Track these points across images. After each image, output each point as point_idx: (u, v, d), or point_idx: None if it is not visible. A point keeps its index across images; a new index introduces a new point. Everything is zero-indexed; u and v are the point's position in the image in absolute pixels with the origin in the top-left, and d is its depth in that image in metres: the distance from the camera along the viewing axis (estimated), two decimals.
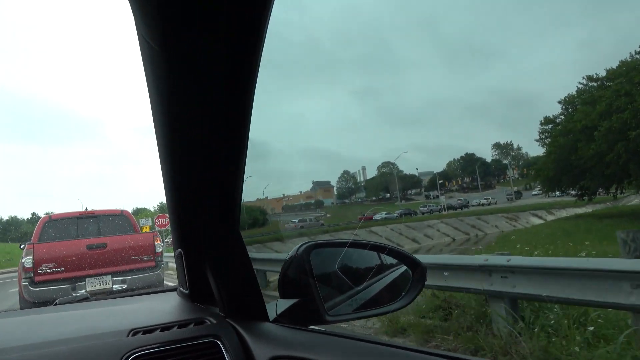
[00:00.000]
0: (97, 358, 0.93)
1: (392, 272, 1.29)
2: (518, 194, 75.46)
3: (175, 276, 1.48)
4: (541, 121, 42.78)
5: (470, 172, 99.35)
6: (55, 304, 1.57)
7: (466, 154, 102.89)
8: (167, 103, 0.85)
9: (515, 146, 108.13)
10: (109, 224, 8.18)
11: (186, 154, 0.96)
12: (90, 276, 7.07)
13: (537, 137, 43.77)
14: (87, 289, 6.89)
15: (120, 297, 1.66)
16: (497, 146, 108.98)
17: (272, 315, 1.09)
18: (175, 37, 0.71)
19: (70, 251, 7.06)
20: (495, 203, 63.12)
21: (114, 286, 7.23)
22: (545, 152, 40.33)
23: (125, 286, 7.19)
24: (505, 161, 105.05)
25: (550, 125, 41.33)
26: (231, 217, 1.10)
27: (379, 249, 1.23)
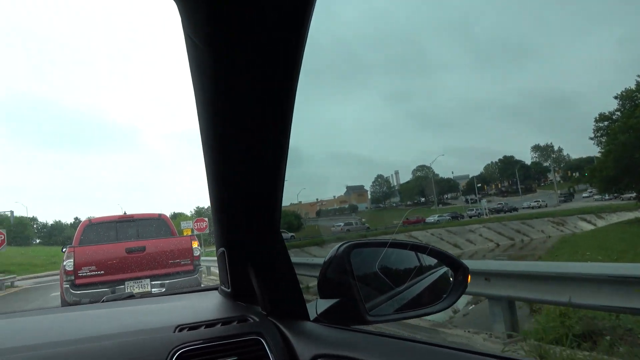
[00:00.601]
0: (146, 352, 0.97)
1: (432, 273, 1.29)
2: (569, 196, 72.80)
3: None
4: (596, 118, 41.10)
5: (509, 175, 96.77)
6: (103, 301, 1.66)
7: (504, 157, 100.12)
8: (212, 103, 0.88)
9: (556, 148, 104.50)
10: (147, 228, 8.29)
11: (230, 155, 0.98)
12: (129, 279, 7.17)
13: (592, 135, 42.00)
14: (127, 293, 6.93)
15: (163, 295, 1.73)
16: (536, 148, 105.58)
17: (312, 314, 1.11)
18: (222, 36, 0.73)
19: (110, 254, 7.17)
20: (546, 206, 61.21)
21: (153, 290, 7.29)
22: (602, 151, 38.15)
23: (164, 290, 7.25)
24: (546, 164, 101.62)
25: (606, 123, 39.51)
26: (272, 218, 1.13)
27: (419, 249, 1.23)
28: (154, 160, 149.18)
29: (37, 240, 74.45)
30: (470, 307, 7.37)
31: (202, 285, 7.85)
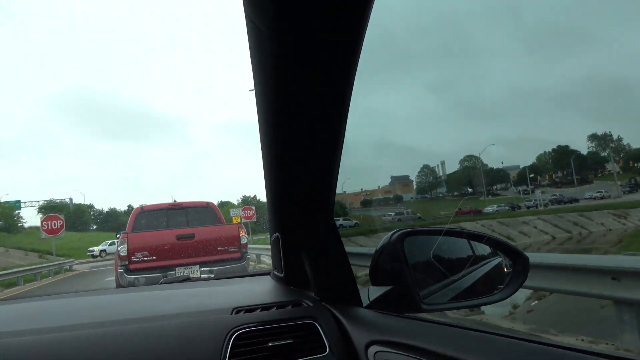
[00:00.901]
0: (205, 332, 1.02)
1: (487, 262, 1.27)
2: (635, 187, 68.65)
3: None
4: None
5: (563, 165, 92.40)
6: (160, 283, 1.74)
7: (558, 147, 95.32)
8: (272, 88, 0.88)
9: (615, 137, 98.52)
10: (196, 216, 8.50)
11: (287, 141, 1.00)
12: (179, 265, 7.36)
13: None
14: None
15: (218, 278, 1.79)
16: (593, 137, 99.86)
17: (365, 301, 1.12)
18: (285, 19, 0.73)
19: (161, 241, 7.43)
20: (609, 197, 58.20)
21: (202, 276, 7.27)
22: None
23: (213, 276, 7.41)
24: (603, 153, 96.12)
25: None
26: (327, 205, 1.14)
27: (475, 237, 1.21)
28: (202, 150, 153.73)
29: (94, 227, 78.57)
30: (533, 303, 7.00)
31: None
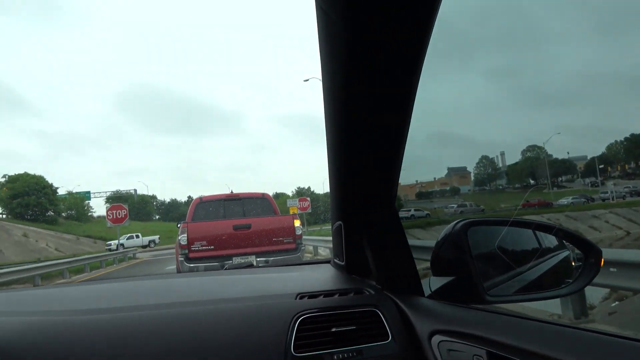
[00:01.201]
0: (271, 316, 1.06)
1: (554, 255, 1.23)
2: None
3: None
4: None
5: (637, 155, 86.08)
6: (225, 269, 1.82)
7: (632, 135, 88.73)
8: (340, 76, 0.90)
9: None
10: (252, 206, 8.72)
11: (352, 130, 1.01)
12: (236, 255, 7.60)
13: None
14: None
15: (279, 265, 1.85)
16: None
17: (426, 291, 1.12)
18: (356, 8, 0.74)
19: (219, 231, 7.70)
20: None
21: (259, 266, 7.55)
22: None
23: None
24: None
25: None
26: (389, 194, 1.15)
27: (544, 228, 1.18)
28: (257, 143, 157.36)
29: (157, 217, 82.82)
30: (614, 304, 6.46)
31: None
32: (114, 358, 0.94)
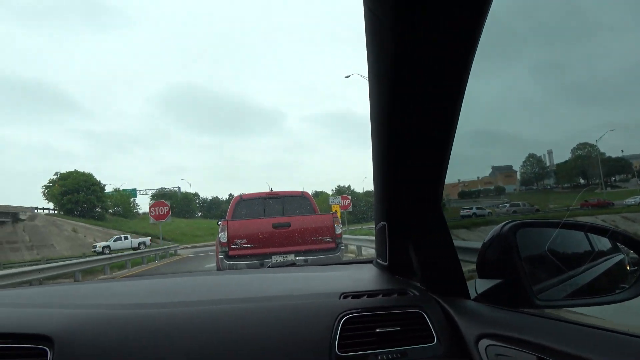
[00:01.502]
0: (315, 315, 1.07)
1: (608, 259, 1.18)
2: None
3: None
4: None
5: None
6: (268, 267, 1.85)
7: None
8: (388, 77, 0.89)
9: None
10: (291, 205, 8.75)
11: (398, 129, 1.00)
12: (275, 254, 7.59)
13: None
14: None
15: (321, 264, 1.86)
16: None
17: (472, 294, 1.10)
18: (404, 7, 0.74)
19: (259, 229, 7.71)
20: None
21: (301, 265, 7.48)
22: None
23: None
24: None
25: None
26: (435, 194, 1.13)
27: (598, 231, 1.14)
28: (296, 142, 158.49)
29: (199, 214, 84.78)
30: None
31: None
32: (160, 352, 0.97)
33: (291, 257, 7.65)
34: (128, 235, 41.62)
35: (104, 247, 36.90)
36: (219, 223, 8.12)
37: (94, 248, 39.23)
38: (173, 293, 1.26)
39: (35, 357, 0.97)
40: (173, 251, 28.03)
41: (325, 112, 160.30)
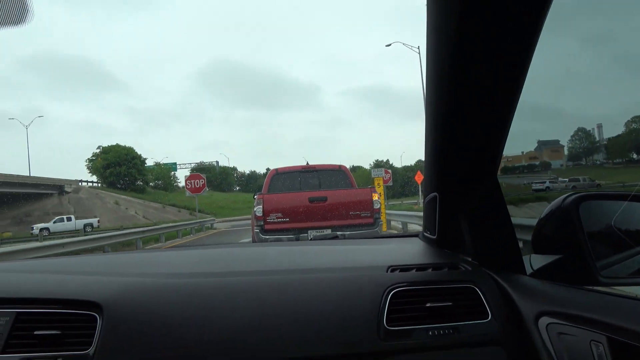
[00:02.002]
0: (364, 286, 1.06)
1: None
2: None
3: None
4: None
5: None
6: (310, 239, 1.87)
7: None
8: (447, 45, 0.85)
9: None
10: (328, 179, 8.62)
11: (458, 96, 0.94)
12: (311, 228, 7.45)
13: None
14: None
15: (365, 237, 1.83)
16: None
17: (527, 269, 1.07)
18: None
19: (295, 203, 7.60)
20: None
21: (344, 238, 7.19)
22: None
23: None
24: None
25: None
26: (491, 165, 1.08)
27: None
28: (333, 116, 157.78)
29: (237, 188, 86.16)
30: None
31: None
32: (207, 321, 0.98)
33: (328, 232, 7.51)
34: (72, 217, 38.18)
35: (41, 229, 33.23)
36: (255, 197, 8.02)
37: (31, 230, 35.48)
38: (218, 263, 1.27)
39: (85, 323, 0.99)
40: (209, 224, 27.64)
41: (362, 87, 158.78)
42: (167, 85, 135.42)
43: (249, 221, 8.60)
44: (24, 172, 48.34)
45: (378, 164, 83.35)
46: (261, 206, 7.47)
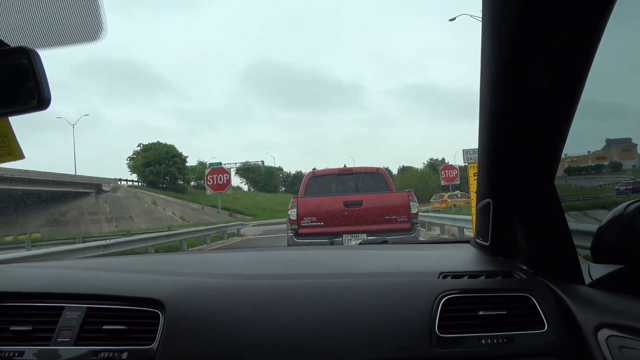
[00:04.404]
0: (415, 293, 1.10)
1: None
2: None
3: None
4: None
5: None
6: (360, 244, 1.93)
7: None
8: (504, 42, 0.86)
9: None
10: (365, 182, 8.84)
11: (515, 96, 0.95)
12: (346, 233, 7.66)
13: None
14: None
15: (415, 243, 1.88)
16: None
17: (586, 279, 1.08)
18: None
19: (329, 207, 7.85)
20: None
21: (394, 243, 7.27)
22: None
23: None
24: None
25: None
26: (548, 169, 1.08)
27: None
28: (377, 115, 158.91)
29: (283, 188, 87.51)
30: None
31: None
32: (262, 322, 1.05)
33: (363, 237, 7.52)
34: None
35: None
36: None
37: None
38: (272, 265, 1.37)
39: (148, 319, 1.10)
40: (236, 230, 23.38)
41: (407, 85, 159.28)
42: (214, 86, 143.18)
43: (284, 225, 8.72)
44: (72, 172, 50.35)
45: (432, 163, 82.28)
46: (295, 210, 7.75)
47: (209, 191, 22.39)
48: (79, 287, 1.21)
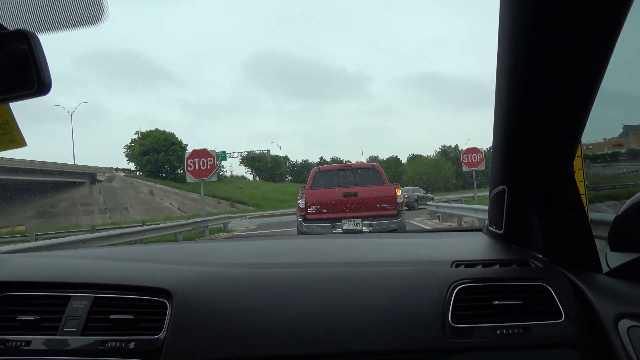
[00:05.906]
0: (428, 282, 1.11)
1: None
2: None
3: None
4: None
5: None
6: (369, 232, 1.93)
7: None
8: (522, 27, 0.85)
9: None
10: (362, 176, 11.00)
11: (533, 77, 0.93)
12: (345, 218, 9.87)
13: None
14: (343, 228, 9.86)
15: (429, 232, 1.89)
16: None
17: (604, 268, 1.08)
18: None
19: (331, 197, 10.12)
20: None
21: (363, 228, 9.95)
22: None
23: (371, 229, 9.00)
24: None
25: None
26: (566, 156, 1.08)
27: None
28: (383, 105, 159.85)
29: (289, 178, 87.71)
30: None
31: (405, 227, 10.07)
32: (271, 311, 1.07)
33: (358, 221, 9.87)
34: None
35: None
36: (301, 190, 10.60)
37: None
38: (282, 255, 1.39)
39: (155, 309, 1.12)
40: (222, 225, 21.19)
41: (412, 75, 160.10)
42: (218, 77, 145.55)
43: (288, 217, 10.59)
44: (71, 162, 49.77)
45: (445, 150, 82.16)
46: (304, 199, 10.17)
47: (189, 178, 20.17)
48: (85, 277, 1.24)
